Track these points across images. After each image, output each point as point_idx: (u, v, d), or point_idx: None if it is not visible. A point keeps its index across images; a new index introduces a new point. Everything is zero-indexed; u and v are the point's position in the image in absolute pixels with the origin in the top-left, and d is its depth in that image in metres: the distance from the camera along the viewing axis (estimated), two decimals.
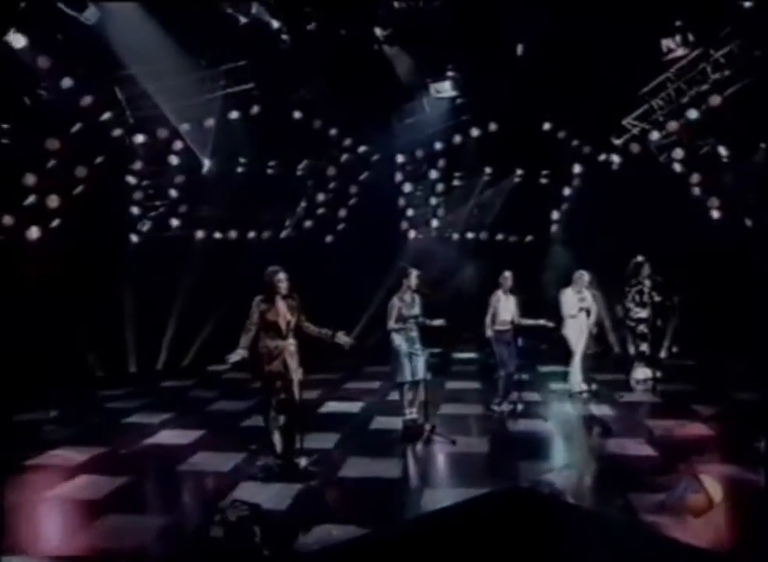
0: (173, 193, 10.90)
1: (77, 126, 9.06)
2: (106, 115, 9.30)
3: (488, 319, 7.63)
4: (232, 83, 10.66)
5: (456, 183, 13.60)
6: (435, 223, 13.71)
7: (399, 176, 13.10)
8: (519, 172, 13.46)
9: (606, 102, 11.21)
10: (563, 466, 5.60)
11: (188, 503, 5.21)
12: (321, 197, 12.61)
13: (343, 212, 12.97)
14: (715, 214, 11.02)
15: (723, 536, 4.22)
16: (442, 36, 10.74)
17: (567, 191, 13.31)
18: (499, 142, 12.58)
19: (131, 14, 9.04)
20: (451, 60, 11.59)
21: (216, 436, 6.79)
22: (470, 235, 14.00)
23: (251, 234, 12.21)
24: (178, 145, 10.48)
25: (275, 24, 10.03)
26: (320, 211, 12.77)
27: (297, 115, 11.44)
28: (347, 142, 12.23)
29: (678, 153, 10.85)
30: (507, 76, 11.38)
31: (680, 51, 10.14)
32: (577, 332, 8.44)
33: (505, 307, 7.61)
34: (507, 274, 7.73)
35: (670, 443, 6.24)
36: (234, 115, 10.84)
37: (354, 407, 7.94)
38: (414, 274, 6.82)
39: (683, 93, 10.36)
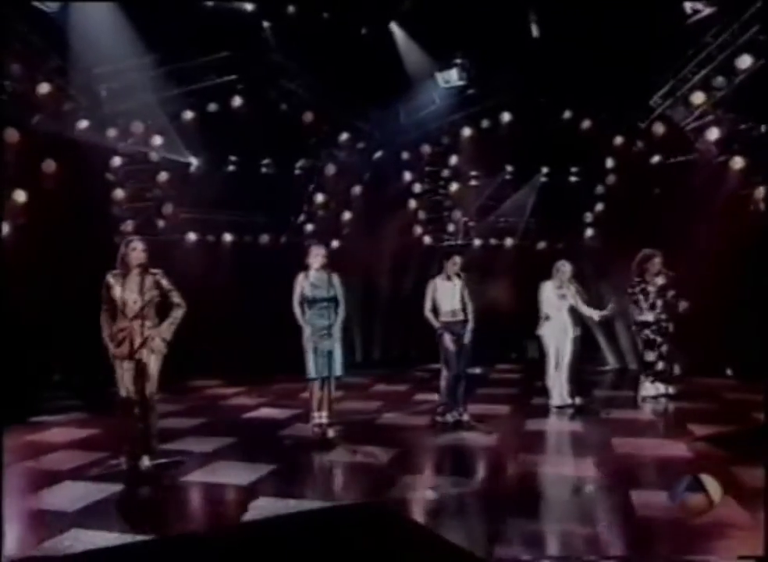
0: (158, 192, 10.49)
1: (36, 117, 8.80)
2: (68, 106, 9.00)
3: (427, 312, 6.43)
4: (214, 76, 10.22)
5: (473, 182, 12.45)
6: (451, 228, 12.55)
7: (407, 176, 12.12)
8: (545, 169, 12.13)
9: (633, 83, 9.86)
10: (455, 483, 4.36)
11: None
12: (320, 198, 11.83)
13: (347, 215, 12.11)
14: (761, 205, 9.22)
15: None
16: (447, 16, 9.81)
17: (599, 189, 11.82)
18: (520, 136, 11.37)
19: (98, 4, 8.80)
20: (458, 43, 10.61)
21: (105, 436, 6.02)
22: (493, 241, 12.72)
23: (247, 238, 11.58)
24: (158, 141, 10.09)
25: (249, 7, 9.53)
26: (321, 213, 11.98)
27: (286, 108, 10.80)
28: (343, 137, 11.43)
29: (714, 133, 9.22)
30: (522, 59, 10.32)
31: (706, 11, 8.66)
32: (556, 332, 7.09)
33: (447, 295, 6.39)
34: (458, 259, 6.54)
35: (623, 465, 4.81)
36: (219, 108, 10.37)
37: (285, 413, 6.95)
38: (315, 252, 5.84)
39: (712, 59, 8.80)
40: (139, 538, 3.51)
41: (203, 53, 9.94)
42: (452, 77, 11.12)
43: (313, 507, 3.93)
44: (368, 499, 4.16)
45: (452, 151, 12.00)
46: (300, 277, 5.80)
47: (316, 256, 5.81)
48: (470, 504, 4.06)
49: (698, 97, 8.86)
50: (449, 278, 6.43)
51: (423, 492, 4.20)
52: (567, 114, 11.25)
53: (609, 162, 11.44)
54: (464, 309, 6.42)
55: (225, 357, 9.91)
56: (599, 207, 11.85)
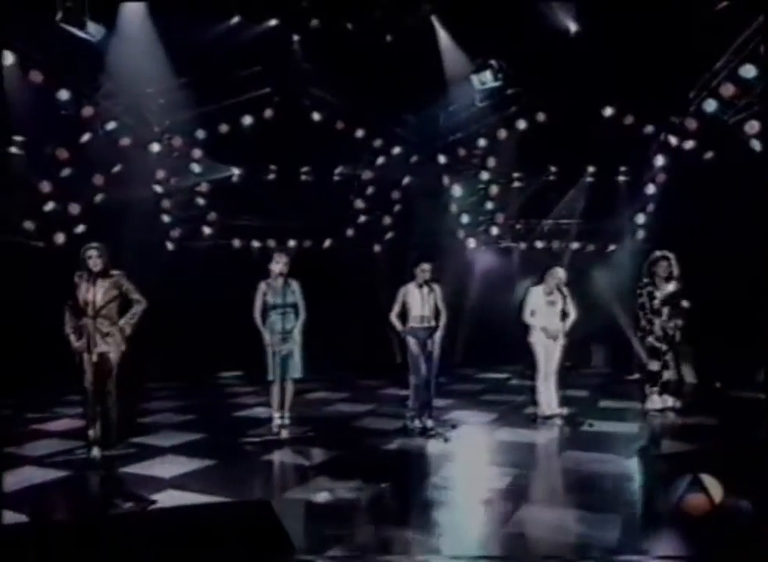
0: (201, 201, 11.19)
1: (86, 136, 9.70)
2: (111, 125, 9.84)
3: (392, 316, 6.47)
4: (250, 90, 10.76)
5: (516, 184, 12.23)
6: (495, 231, 12.37)
7: (446, 179, 12.09)
8: (590, 169, 11.75)
9: (676, 75, 9.35)
10: (355, 488, 4.44)
11: None
12: (360, 203, 12.05)
13: (388, 220, 12.26)
14: None
15: None
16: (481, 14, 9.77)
17: (651, 189, 11.26)
18: (561, 135, 11.05)
19: (139, 30, 9.55)
20: (492, 43, 10.49)
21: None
22: (539, 244, 12.44)
23: (291, 243, 12.04)
24: (198, 154, 10.78)
25: (273, 22, 9.97)
26: (362, 218, 12.21)
27: (321, 116, 11.15)
28: (379, 143, 11.61)
29: (753, 126, 8.47)
30: (558, 57, 10.10)
31: None
32: (544, 340, 6.87)
33: (418, 301, 6.40)
34: (426, 266, 6.52)
35: (543, 480, 4.65)
36: (256, 120, 10.89)
37: (270, 413, 7.19)
38: (277, 259, 6.07)
39: (743, 48, 8.11)
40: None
41: (237, 69, 10.50)
42: (487, 78, 10.99)
43: (206, 502, 4.18)
44: (268, 497, 4.33)
45: (491, 153, 11.84)
46: (263, 285, 6.07)
47: (277, 263, 6.06)
48: (345, 508, 4.13)
49: (727, 90, 8.19)
50: (420, 285, 6.43)
51: (315, 494, 4.32)
52: (609, 111, 10.82)
53: (660, 160, 10.89)
54: (435, 317, 6.40)
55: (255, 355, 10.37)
56: (651, 207, 11.33)
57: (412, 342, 6.33)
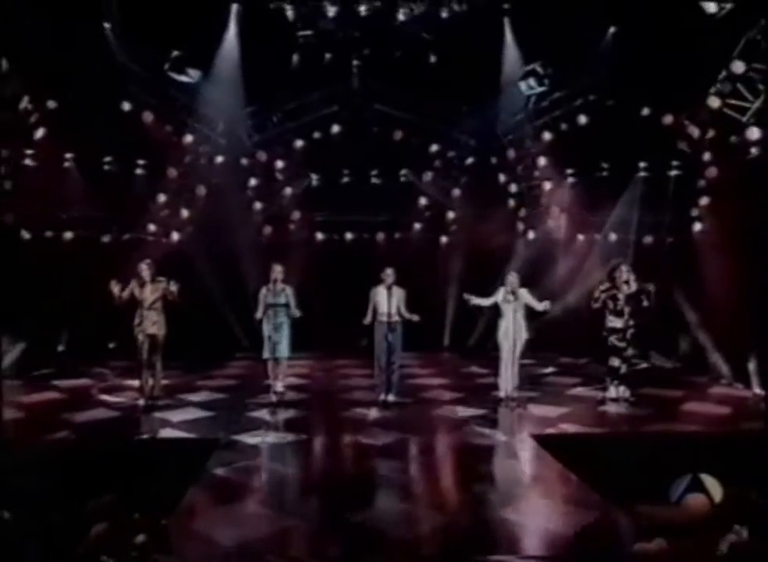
0: (286, 202, 13.47)
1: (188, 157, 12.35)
2: (205, 148, 12.38)
3: (369, 312, 8.05)
4: (322, 108, 12.74)
5: (570, 180, 12.98)
6: (551, 224, 13.27)
7: (502, 177, 13.19)
8: (642, 164, 12.24)
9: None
10: (279, 438, 6.33)
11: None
12: (423, 201, 13.55)
13: (451, 215, 13.65)
14: None
15: None
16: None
17: (701, 183, 11.55)
18: (611, 132, 11.73)
19: (229, 72, 11.86)
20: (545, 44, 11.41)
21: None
22: (597, 237, 13.12)
23: (366, 235, 13.94)
24: (280, 164, 13.03)
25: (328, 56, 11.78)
26: (427, 214, 13.71)
27: (384, 127, 12.79)
28: (435, 148, 13.01)
29: (754, 133, 8.68)
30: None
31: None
32: (502, 333, 8.12)
33: (384, 300, 7.94)
34: (389, 271, 8.04)
35: (420, 448, 6.16)
36: (328, 133, 12.84)
37: (288, 381, 8.99)
38: (273, 268, 7.98)
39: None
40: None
41: (309, 92, 12.51)
42: (533, 84, 11.91)
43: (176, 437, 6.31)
44: (222, 437, 6.34)
45: (545, 152, 12.70)
46: (264, 290, 8.05)
47: (273, 271, 8.00)
48: (257, 448, 6.06)
49: (713, 102, 8.51)
50: (386, 287, 7.99)
51: (252, 438, 6.29)
52: (652, 109, 11.32)
53: (707, 155, 11.14)
54: (399, 313, 7.95)
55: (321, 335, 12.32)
56: (704, 200, 11.57)
57: (379, 335, 7.95)
